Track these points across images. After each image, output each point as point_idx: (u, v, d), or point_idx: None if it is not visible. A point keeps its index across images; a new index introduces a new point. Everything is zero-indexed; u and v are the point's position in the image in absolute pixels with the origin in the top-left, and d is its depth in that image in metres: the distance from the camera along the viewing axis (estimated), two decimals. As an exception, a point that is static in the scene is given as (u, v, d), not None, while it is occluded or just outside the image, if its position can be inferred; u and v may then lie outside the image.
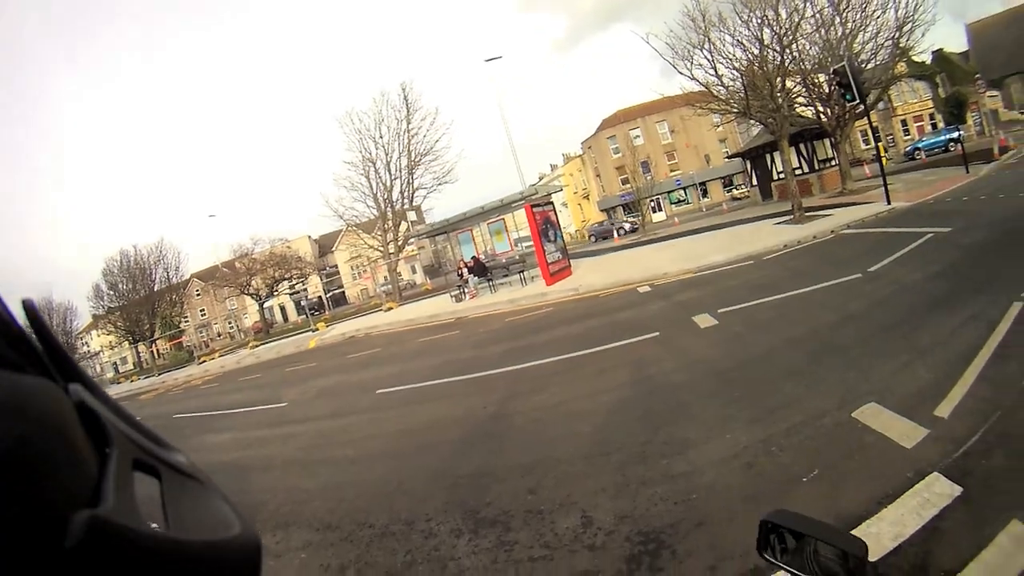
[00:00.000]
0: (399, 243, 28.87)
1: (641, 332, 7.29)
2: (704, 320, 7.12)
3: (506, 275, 18.34)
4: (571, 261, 17.68)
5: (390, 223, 28.33)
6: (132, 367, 48.02)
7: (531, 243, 16.28)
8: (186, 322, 49.84)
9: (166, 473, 0.31)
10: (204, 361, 29.06)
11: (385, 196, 28.07)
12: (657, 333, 7.10)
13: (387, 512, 3.92)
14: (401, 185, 28.04)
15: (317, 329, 24.51)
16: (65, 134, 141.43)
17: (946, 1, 36.47)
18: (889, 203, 13.81)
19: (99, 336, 55.63)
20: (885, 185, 14.49)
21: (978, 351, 4.06)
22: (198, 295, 54.91)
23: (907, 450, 3.08)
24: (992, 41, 31.93)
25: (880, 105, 30.88)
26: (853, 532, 2.28)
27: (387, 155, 27.91)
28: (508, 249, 19.47)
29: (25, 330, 0.29)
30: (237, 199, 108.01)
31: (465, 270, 18.17)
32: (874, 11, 19.65)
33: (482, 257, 19.10)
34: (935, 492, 2.65)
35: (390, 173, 28.02)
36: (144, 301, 40.76)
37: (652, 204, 41.50)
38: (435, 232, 20.35)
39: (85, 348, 57.47)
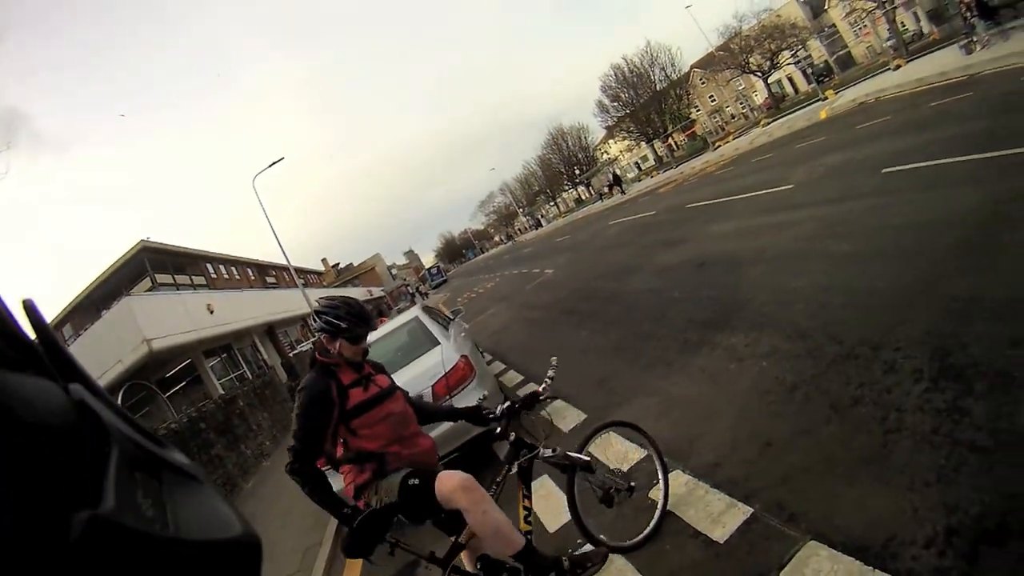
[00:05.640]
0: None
1: None
2: None
3: (1016, 16, 13.88)
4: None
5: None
6: (652, 163, 50.76)
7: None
8: (696, 111, 50.38)
9: (166, 473, 0.31)
10: (719, 146, 29.52)
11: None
12: None
13: (861, 329, 3.46)
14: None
15: (826, 98, 22.91)
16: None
17: None
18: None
19: (615, 143, 60.56)
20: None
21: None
22: (703, 83, 54.81)
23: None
24: None
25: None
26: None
27: None
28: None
29: (25, 330, 0.29)
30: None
31: (968, 13, 14.40)
32: None
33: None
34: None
35: None
36: (650, 102, 42.57)
37: None
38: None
39: (604, 156, 62.12)
